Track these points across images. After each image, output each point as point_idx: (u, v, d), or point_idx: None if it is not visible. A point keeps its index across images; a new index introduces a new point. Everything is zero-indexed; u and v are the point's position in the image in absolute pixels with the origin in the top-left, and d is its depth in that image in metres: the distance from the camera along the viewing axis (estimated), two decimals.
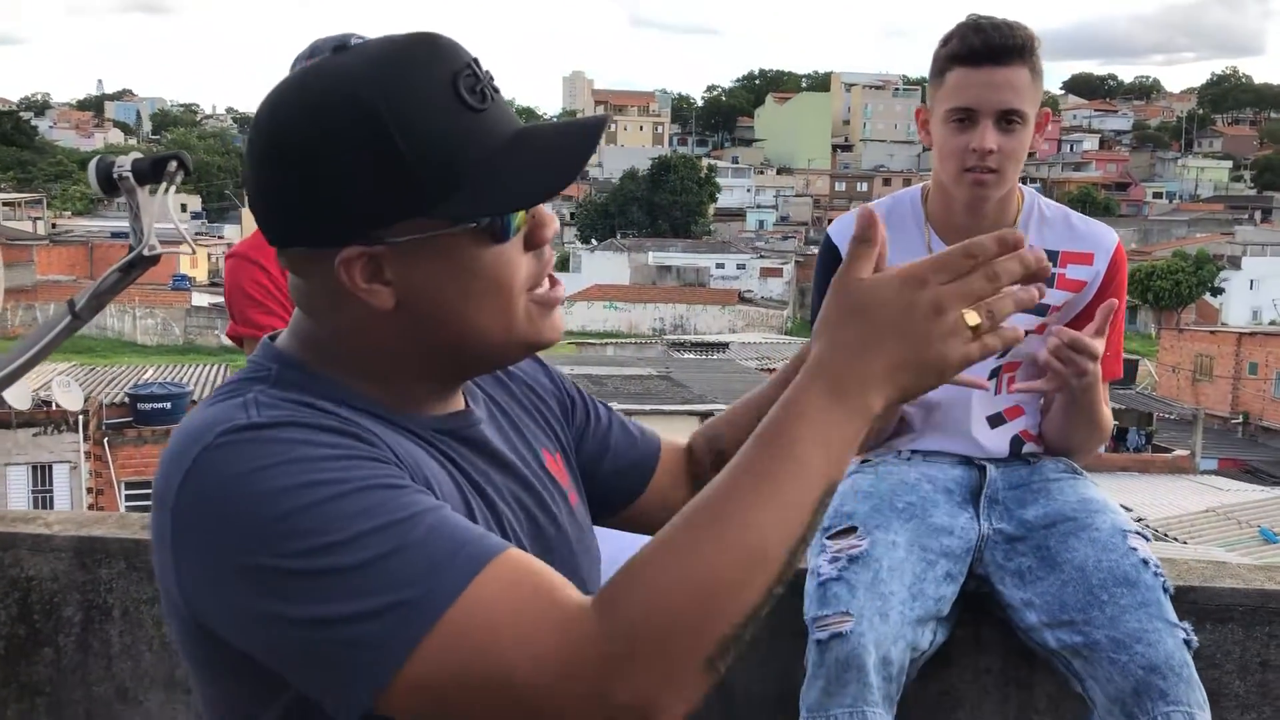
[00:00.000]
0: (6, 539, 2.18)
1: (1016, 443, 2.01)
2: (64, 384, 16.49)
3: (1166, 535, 16.54)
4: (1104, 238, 1.98)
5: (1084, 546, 1.81)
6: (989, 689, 2.03)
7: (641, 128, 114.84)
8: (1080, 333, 1.75)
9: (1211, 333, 37.54)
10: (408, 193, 0.89)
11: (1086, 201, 78.93)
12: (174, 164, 1.95)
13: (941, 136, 1.86)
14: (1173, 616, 1.72)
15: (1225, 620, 1.99)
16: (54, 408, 16.07)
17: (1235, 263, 54.98)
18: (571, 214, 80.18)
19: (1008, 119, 1.81)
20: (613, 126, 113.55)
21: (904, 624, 1.74)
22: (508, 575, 0.80)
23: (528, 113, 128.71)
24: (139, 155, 2.00)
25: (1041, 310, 1.94)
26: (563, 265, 65.21)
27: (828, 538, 1.87)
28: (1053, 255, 1.94)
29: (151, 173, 1.94)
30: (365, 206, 0.89)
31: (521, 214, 0.95)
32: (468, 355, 0.98)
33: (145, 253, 1.97)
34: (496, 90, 0.94)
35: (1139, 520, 18.29)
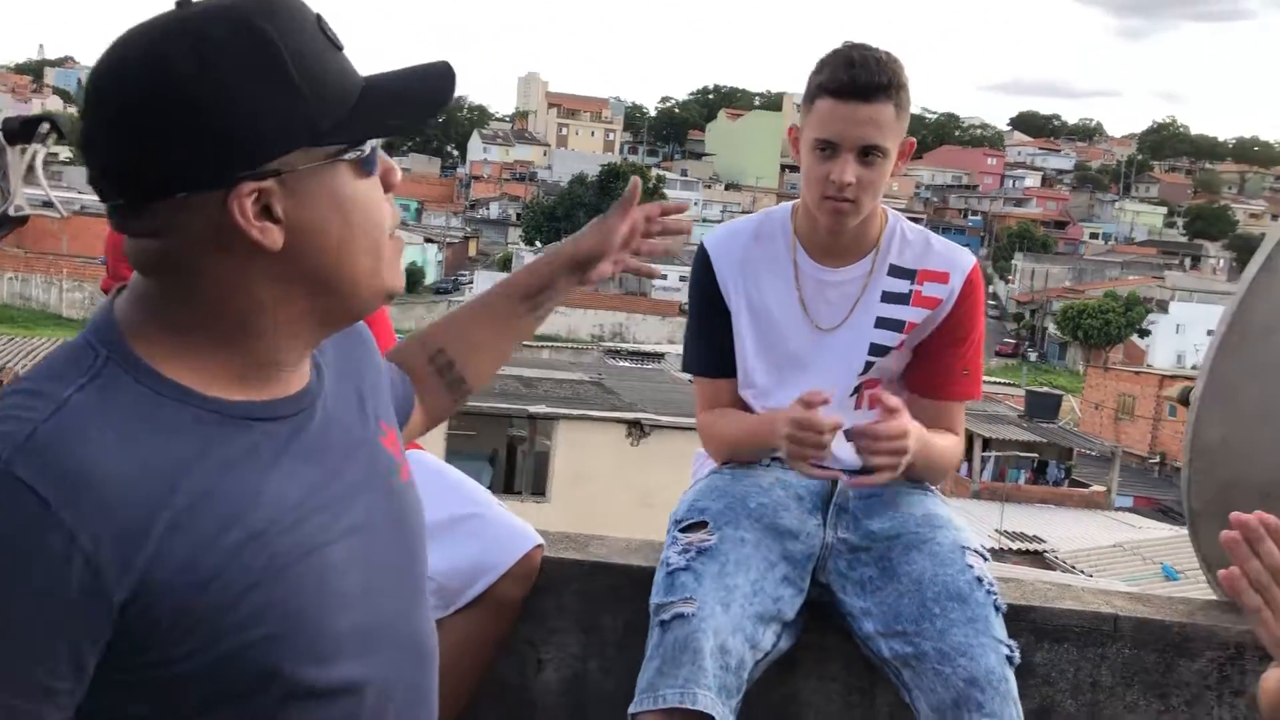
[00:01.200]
0: None
1: None
2: None
3: (1074, 568, 16.91)
4: (961, 258, 2.04)
5: (923, 560, 1.86)
6: (832, 696, 2.08)
7: (593, 133, 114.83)
8: (877, 423, 1.79)
9: (1136, 373, 38.52)
10: (298, 121, 0.91)
11: (1025, 237, 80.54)
12: (45, 125, 1.93)
13: (807, 163, 1.92)
14: (999, 633, 1.78)
15: (1061, 640, 2.05)
16: None
17: (1164, 306, 56.49)
18: (518, 215, 79.97)
19: (868, 153, 1.86)
20: (564, 130, 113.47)
21: (744, 617, 1.78)
22: None
23: (480, 110, 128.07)
24: (9, 115, 1.97)
25: (899, 326, 1.99)
26: (505, 266, 64.98)
27: (680, 530, 1.92)
28: (911, 273, 2.00)
29: (22, 132, 1.91)
30: (258, 138, 0.89)
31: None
32: (340, 300, 0.99)
33: (11, 213, 1.94)
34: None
35: (1050, 551, 18.70)
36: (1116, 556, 17.34)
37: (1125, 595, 2.23)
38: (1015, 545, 19.81)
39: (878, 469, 1.81)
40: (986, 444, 27.53)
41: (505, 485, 18.24)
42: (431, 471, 2.00)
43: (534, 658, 2.14)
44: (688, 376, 2.21)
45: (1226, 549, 1.27)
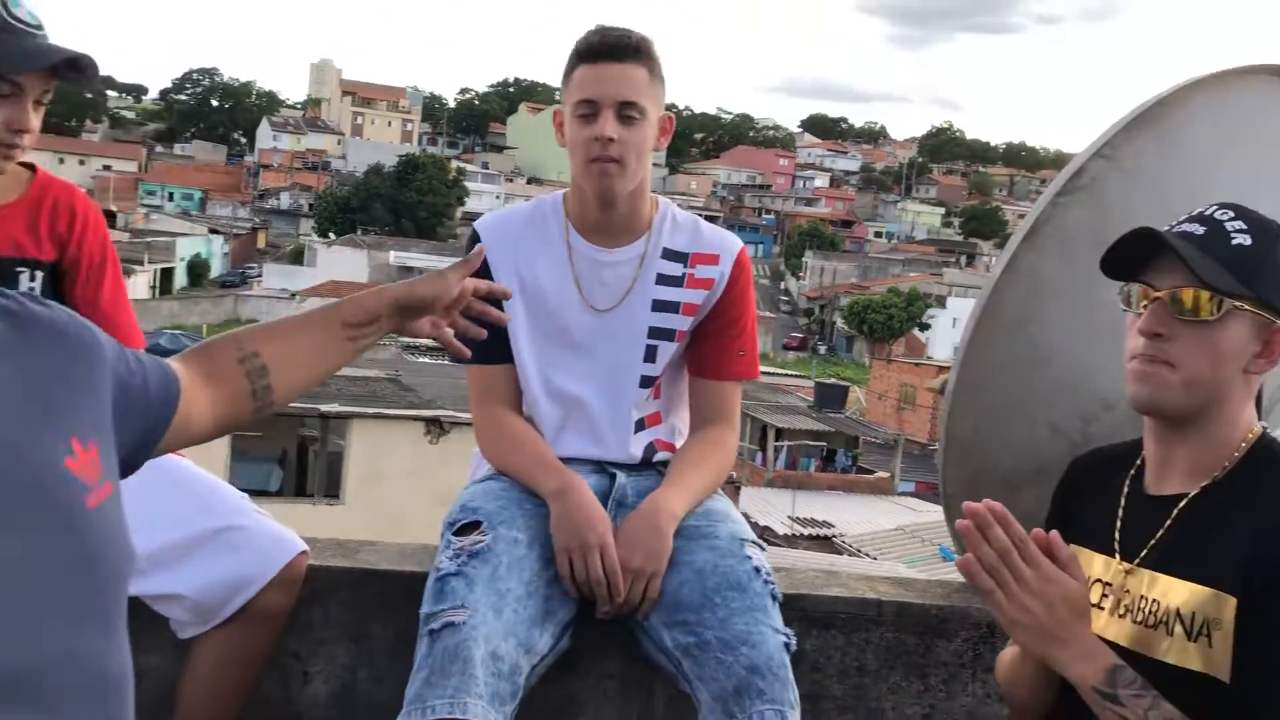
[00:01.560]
0: None
1: (650, 449, 2.07)
2: None
3: (861, 551, 17.75)
4: (729, 242, 2.10)
5: (703, 552, 1.88)
6: (610, 694, 2.07)
7: (390, 123, 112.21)
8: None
9: (916, 365, 40.70)
10: None
11: (815, 235, 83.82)
12: None
13: (571, 131, 1.96)
14: (778, 622, 1.81)
15: (829, 626, 2.11)
16: None
17: (941, 302, 59.90)
18: (310, 205, 77.31)
19: (627, 111, 1.91)
20: (359, 119, 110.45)
21: (518, 621, 1.75)
22: None
23: (269, 97, 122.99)
24: None
25: (675, 308, 2.02)
26: (297, 258, 62.74)
27: (453, 533, 1.87)
28: (683, 256, 2.05)
29: None
30: None
31: None
32: None
33: None
34: None
35: (839, 536, 19.52)
36: (899, 539, 18.29)
37: (889, 581, 2.31)
38: (807, 531, 20.62)
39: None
40: (779, 434, 28.53)
41: (297, 488, 17.61)
42: (183, 484, 1.88)
43: (300, 670, 2.05)
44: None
45: (961, 536, 1.33)
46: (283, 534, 1.91)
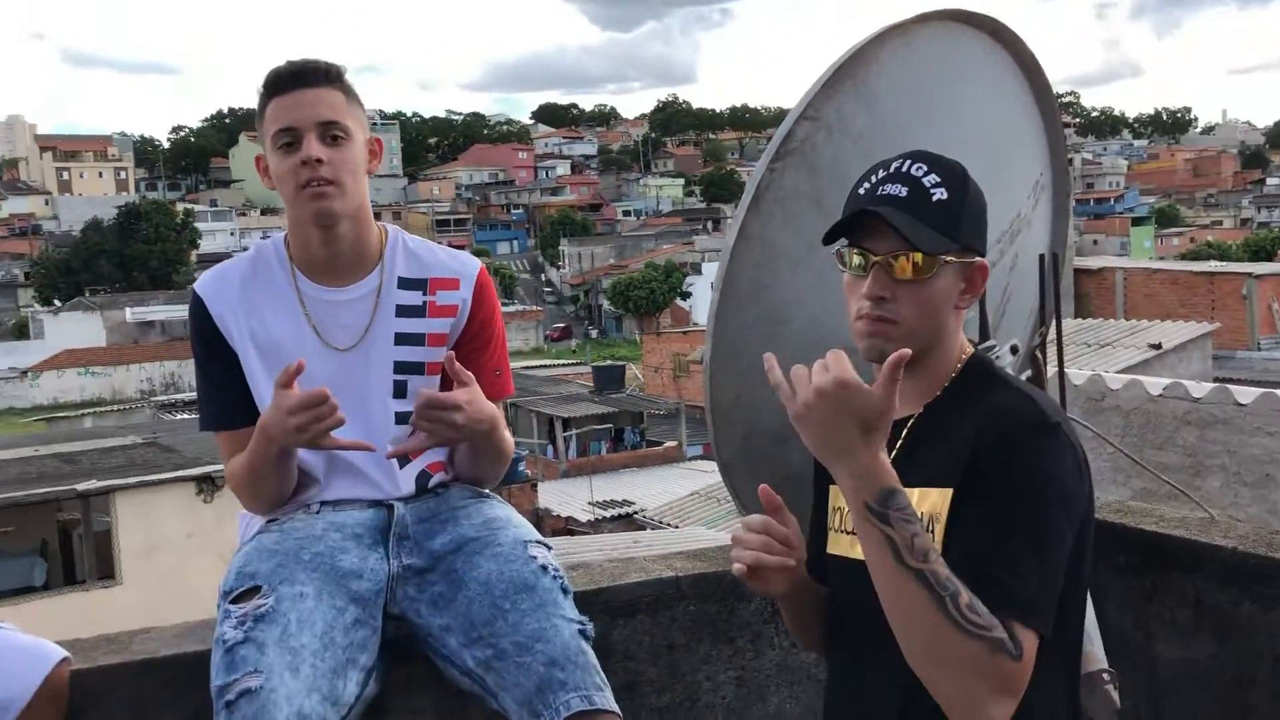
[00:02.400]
0: None
1: (424, 477, 2.02)
2: None
3: (663, 522, 18.10)
4: (468, 264, 2.07)
5: (487, 562, 1.86)
6: None
7: (101, 174, 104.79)
8: (443, 393, 1.83)
9: (684, 333, 41.72)
10: None
11: (566, 223, 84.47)
12: None
13: (275, 165, 1.89)
14: (571, 612, 1.82)
15: (634, 613, 2.14)
16: None
17: (697, 268, 61.65)
18: (26, 273, 71.38)
19: (330, 133, 1.86)
20: (65, 175, 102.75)
21: (318, 675, 1.68)
22: None
23: None
24: None
25: (420, 340, 1.97)
26: (21, 333, 57.90)
27: (230, 602, 1.77)
28: (421, 283, 2.00)
29: None
30: None
31: None
32: None
33: None
34: None
35: (640, 511, 19.80)
36: (696, 504, 18.74)
37: (684, 555, 2.36)
38: (609, 512, 20.84)
39: (430, 433, 1.82)
40: (566, 424, 28.67)
41: (65, 577, 16.30)
42: None
43: None
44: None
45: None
46: (37, 646, 1.76)
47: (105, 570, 15.70)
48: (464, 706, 2.00)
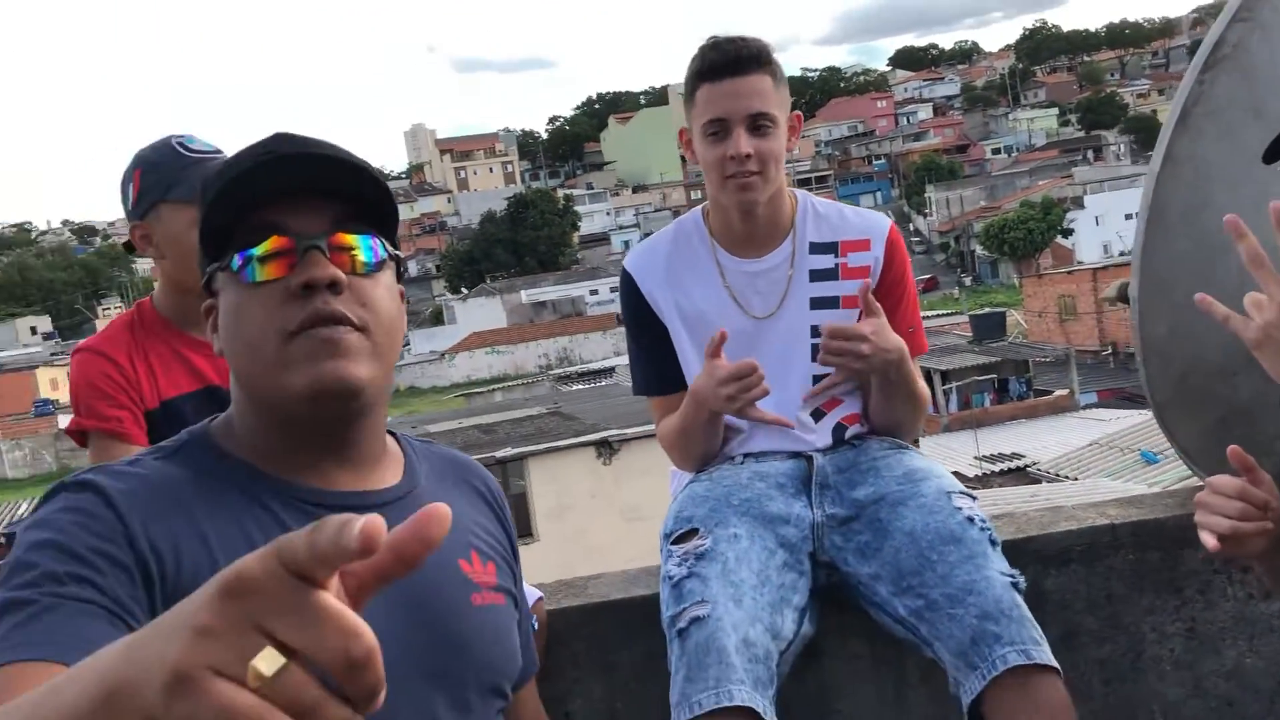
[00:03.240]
0: None
1: (839, 429, 2.06)
2: None
3: (1059, 475, 17.15)
4: (878, 223, 2.07)
5: (911, 513, 1.87)
6: (863, 675, 2.07)
7: (491, 169, 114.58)
8: (850, 323, 1.86)
9: (1069, 273, 39.14)
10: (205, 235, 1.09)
11: (931, 168, 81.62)
12: None
13: (702, 151, 1.95)
14: (1001, 564, 1.79)
15: (1067, 562, 2.06)
16: None
17: (1079, 203, 57.52)
18: (437, 266, 79.50)
19: (758, 123, 1.89)
20: (462, 173, 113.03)
21: (759, 608, 1.77)
22: None
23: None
24: None
25: (834, 303, 2.00)
26: (437, 318, 64.59)
27: (671, 543, 1.90)
28: (832, 246, 2.03)
29: None
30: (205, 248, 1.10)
31: (263, 260, 1.05)
32: (258, 399, 1.08)
33: None
34: None
35: (1032, 465, 18.90)
36: (1095, 454, 17.60)
37: (1116, 502, 2.25)
38: (997, 467, 20.04)
39: (838, 367, 1.88)
40: (945, 376, 27.85)
41: None
42: None
43: (561, 713, 2.11)
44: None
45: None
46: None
47: (524, 529, 17.28)
48: (899, 654, 2.03)
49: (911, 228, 78.62)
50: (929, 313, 46.09)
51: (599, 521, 15.90)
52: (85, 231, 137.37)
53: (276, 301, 1.04)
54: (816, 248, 2.02)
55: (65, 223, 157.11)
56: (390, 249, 1.12)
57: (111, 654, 0.61)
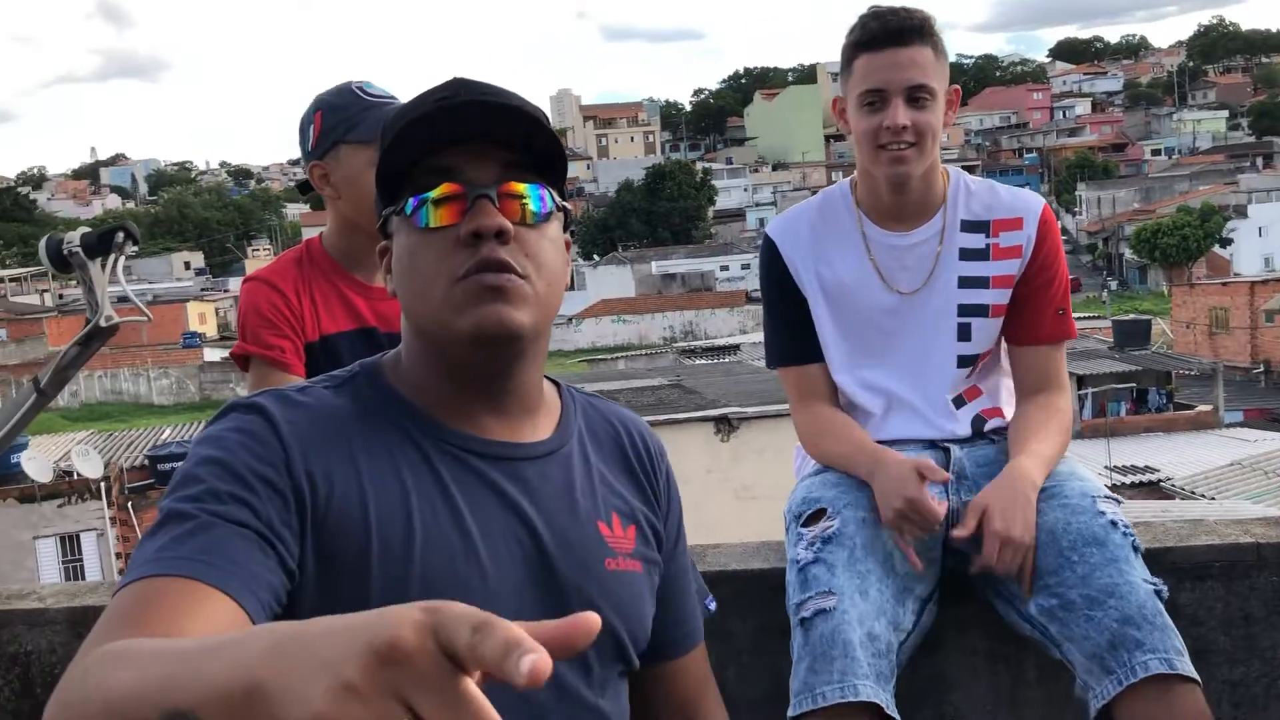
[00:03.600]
0: (2, 616, 2.21)
1: (979, 421, 2.03)
2: (83, 452, 16.62)
3: (1194, 493, 16.45)
4: (1031, 202, 2.02)
5: (1053, 511, 1.83)
6: (979, 669, 2.04)
7: (632, 138, 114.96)
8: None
9: (1224, 284, 37.32)
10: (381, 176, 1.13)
11: (1085, 166, 78.64)
12: (121, 235, 1.99)
13: (856, 121, 1.91)
14: (1144, 571, 1.74)
15: (1204, 577, 1.99)
16: (75, 477, 16.18)
17: (1242, 211, 54.67)
18: (571, 232, 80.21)
19: (916, 95, 1.85)
20: (604, 140, 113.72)
21: (884, 599, 1.76)
22: (130, 595, 0.92)
23: None
24: (86, 230, 2.04)
25: (984, 282, 1.97)
26: (570, 284, 65.20)
27: (801, 525, 1.90)
28: (984, 224, 1.98)
29: (100, 245, 1.98)
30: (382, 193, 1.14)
31: (435, 206, 1.07)
32: (429, 342, 1.12)
33: (102, 324, 2.00)
34: None
35: (1166, 480, 18.20)
36: (1237, 475, 16.82)
37: (1263, 521, 2.15)
38: (1128, 479, 19.32)
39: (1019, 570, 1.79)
40: (1081, 381, 26.92)
41: None
42: None
43: None
44: (773, 371, 2.18)
45: None
46: None
47: None
48: (1018, 651, 1.99)
49: (1058, 225, 75.85)
50: (1074, 315, 44.49)
51: (713, 497, 15.90)
52: (241, 174, 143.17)
53: (446, 248, 1.07)
54: (968, 225, 1.98)
55: (223, 164, 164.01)
56: (559, 199, 1.14)
57: (260, 647, 0.66)
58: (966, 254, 1.97)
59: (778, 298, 2.06)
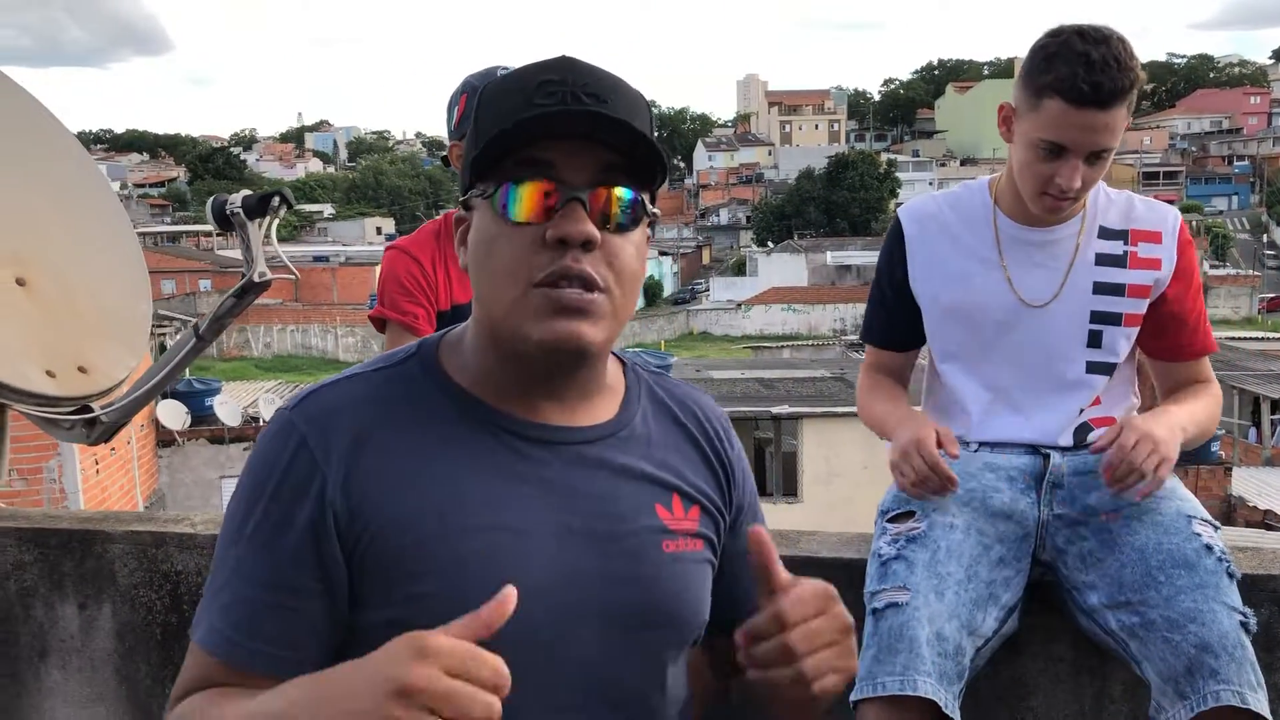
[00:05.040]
0: (158, 537, 2.46)
1: (1084, 430, 2.00)
2: (270, 401, 17.70)
3: None
4: (1168, 215, 1.98)
5: (1146, 530, 1.81)
6: (1061, 677, 2.03)
7: (817, 126, 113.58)
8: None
9: None
10: (469, 156, 1.09)
11: None
12: (277, 199, 2.18)
13: (1026, 156, 1.85)
14: (1233, 599, 1.70)
15: None
16: (262, 423, 17.23)
17: None
18: (747, 217, 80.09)
19: (1097, 156, 1.82)
20: (787, 127, 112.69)
21: (959, 604, 1.77)
22: (195, 661, 1.09)
23: (702, 119, 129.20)
24: (248, 193, 2.24)
25: (1119, 290, 1.94)
26: (739, 270, 65.23)
27: (888, 521, 1.93)
28: (1123, 233, 1.95)
29: (258, 207, 2.18)
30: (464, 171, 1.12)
31: (525, 200, 1.04)
32: (497, 335, 1.09)
33: (255, 279, 2.20)
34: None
35: None
36: None
37: None
38: None
39: (1145, 489, 1.77)
40: (1275, 405, 25.23)
41: (757, 488, 18.31)
42: None
43: None
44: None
45: None
46: None
47: (789, 488, 17.39)
48: (1102, 663, 1.98)
49: (1266, 239, 71.04)
50: (1270, 333, 41.75)
51: (866, 493, 15.66)
52: (434, 146, 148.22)
53: (529, 246, 1.03)
54: (1106, 232, 1.95)
55: (418, 135, 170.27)
56: (650, 207, 1.09)
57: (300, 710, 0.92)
58: (1103, 259, 1.94)
59: (888, 274, 2.07)
